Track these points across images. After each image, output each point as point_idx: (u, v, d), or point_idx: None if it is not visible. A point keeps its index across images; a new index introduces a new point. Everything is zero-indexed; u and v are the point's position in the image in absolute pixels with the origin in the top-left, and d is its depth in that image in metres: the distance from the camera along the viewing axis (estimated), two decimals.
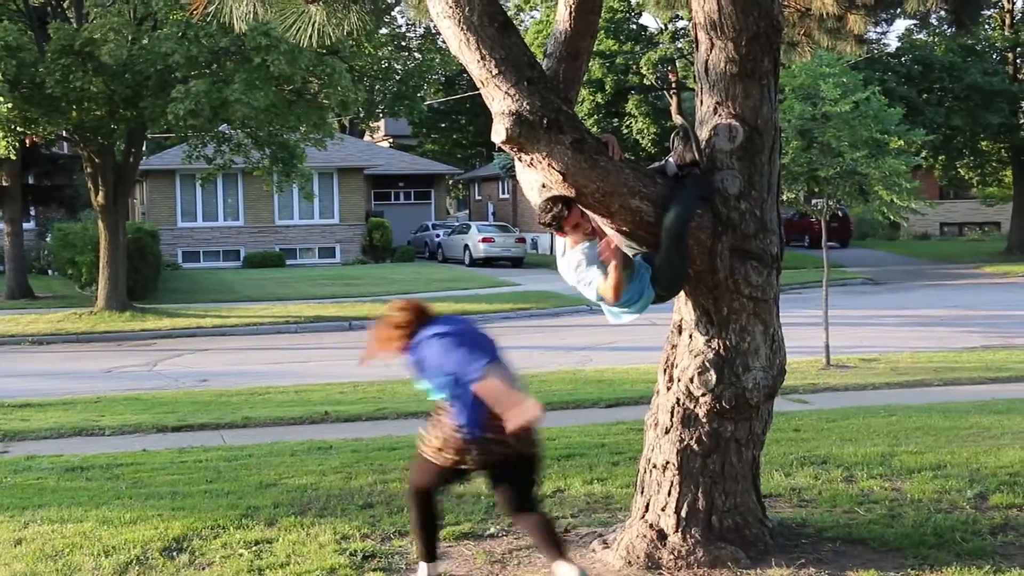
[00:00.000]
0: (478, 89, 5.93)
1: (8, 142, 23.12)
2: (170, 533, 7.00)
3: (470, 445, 5.62)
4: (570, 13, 6.44)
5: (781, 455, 8.92)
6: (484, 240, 39.85)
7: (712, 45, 6.18)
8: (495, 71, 5.72)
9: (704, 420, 6.28)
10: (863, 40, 8.13)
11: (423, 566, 5.98)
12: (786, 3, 7.61)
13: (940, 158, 41.02)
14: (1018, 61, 41.49)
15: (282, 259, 40.02)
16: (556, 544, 5.75)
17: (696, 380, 6.25)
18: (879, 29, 8.05)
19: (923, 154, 37.21)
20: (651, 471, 6.47)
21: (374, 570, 6.28)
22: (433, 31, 38.97)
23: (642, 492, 6.52)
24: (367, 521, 7.24)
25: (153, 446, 10.45)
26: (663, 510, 6.35)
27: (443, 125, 60.60)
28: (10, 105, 21.49)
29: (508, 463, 5.68)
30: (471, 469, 5.77)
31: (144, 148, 29.30)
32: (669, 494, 6.35)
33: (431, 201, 48.96)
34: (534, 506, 5.82)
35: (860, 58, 12.59)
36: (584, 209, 6.01)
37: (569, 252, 6.08)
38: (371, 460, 9.22)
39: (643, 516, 6.43)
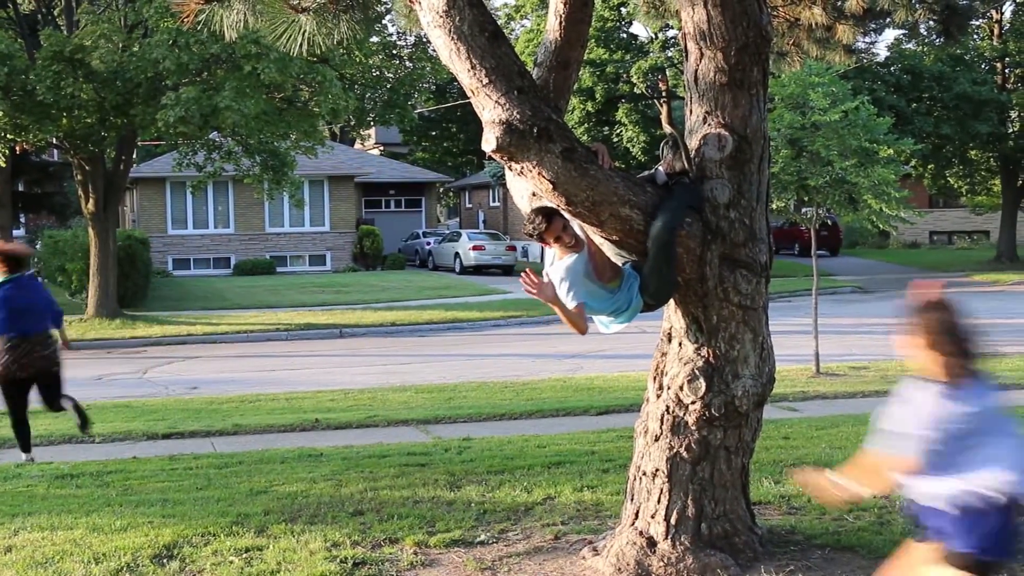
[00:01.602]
0: (469, 98, 5.95)
1: None
2: (160, 540, 7.00)
3: None
4: (560, 23, 6.47)
5: (771, 463, 8.94)
6: (474, 248, 39.87)
7: (702, 55, 6.21)
8: (485, 80, 5.75)
9: (693, 428, 6.30)
10: (852, 50, 8.16)
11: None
12: (775, 13, 7.66)
13: (929, 167, 41.18)
14: (1006, 71, 41.67)
15: (272, 267, 39.94)
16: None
17: (686, 388, 6.27)
18: (868, 39, 8.09)
19: (912, 163, 37.36)
20: (641, 478, 6.48)
21: None
22: (424, 39, 38.99)
23: (632, 499, 6.53)
24: (357, 528, 7.24)
25: (143, 453, 10.44)
26: (653, 517, 6.37)
27: (434, 133, 60.68)
28: (0, 112, 21.48)
29: None
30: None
31: (134, 155, 29.30)
32: (659, 501, 6.37)
33: (422, 209, 48.97)
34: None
35: (849, 68, 12.64)
36: (568, 221, 6.05)
37: (556, 263, 6.11)
38: (361, 467, 9.22)
39: (633, 523, 6.45)
